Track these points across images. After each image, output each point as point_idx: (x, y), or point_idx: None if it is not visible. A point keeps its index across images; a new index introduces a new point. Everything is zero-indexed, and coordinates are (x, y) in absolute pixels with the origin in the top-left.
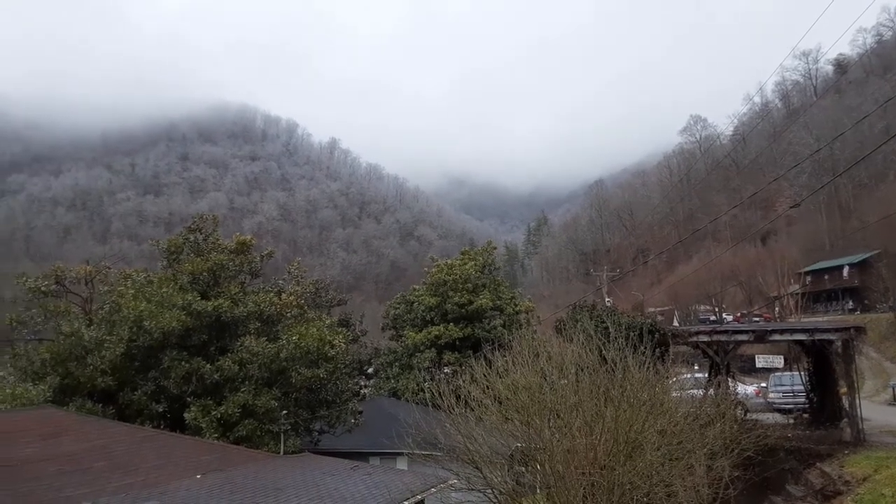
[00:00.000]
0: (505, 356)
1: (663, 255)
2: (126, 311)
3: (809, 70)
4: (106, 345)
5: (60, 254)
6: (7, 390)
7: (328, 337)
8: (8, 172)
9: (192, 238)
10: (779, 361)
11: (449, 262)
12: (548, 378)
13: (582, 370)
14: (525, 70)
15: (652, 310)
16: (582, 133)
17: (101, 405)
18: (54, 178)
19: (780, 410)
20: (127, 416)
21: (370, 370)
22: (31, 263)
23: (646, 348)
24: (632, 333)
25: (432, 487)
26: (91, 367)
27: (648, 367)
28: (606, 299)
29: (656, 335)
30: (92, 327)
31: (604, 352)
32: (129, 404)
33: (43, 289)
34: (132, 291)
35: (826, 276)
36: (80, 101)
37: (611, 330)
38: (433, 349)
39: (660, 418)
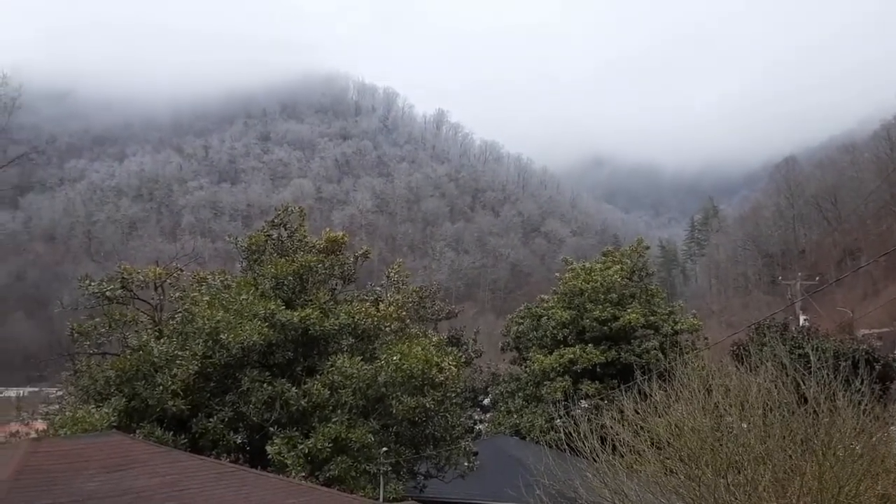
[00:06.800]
0: (664, 388)
1: (882, 259)
2: (200, 321)
3: None
4: (178, 361)
5: (125, 252)
6: (67, 413)
7: (435, 358)
8: (66, 158)
9: (274, 235)
10: None
11: (587, 265)
12: (724, 419)
13: (771, 410)
14: (698, 29)
15: (866, 332)
16: (767, 98)
17: (171, 433)
18: (118, 164)
19: None
20: (201, 446)
21: (486, 401)
22: (92, 264)
23: (861, 384)
24: (841, 363)
25: None
26: (161, 387)
27: (865, 410)
28: (801, 317)
29: (876, 366)
30: (162, 340)
31: (802, 387)
32: (203, 433)
33: (108, 294)
34: (207, 298)
35: None
36: (149, 73)
37: (812, 358)
38: (567, 377)
39: (881, 478)
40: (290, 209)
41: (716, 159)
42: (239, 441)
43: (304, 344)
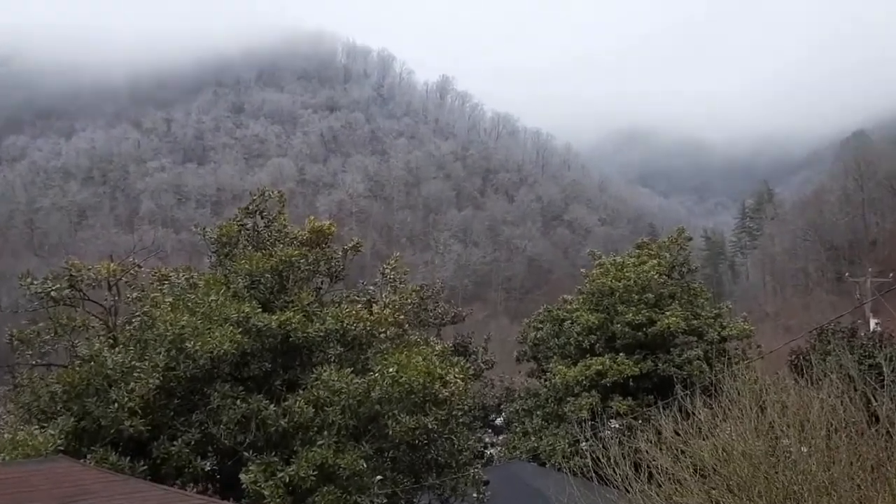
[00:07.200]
0: (709, 405)
1: None
2: (162, 326)
3: None
4: (135, 374)
5: (73, 245)
6: (6, 435)
7: (439, 370)
8: (4, 134)
9: (249, 224)
10: None
11: (618, 259)
12: (780, 442)
13: (836, 431)
14: None
15: None
16: (834, 66)
17: (128, 458)
18: (65, 141)
19: None
20: (163, 474)
21: (499, 421)
22: (35, 259)
23: None
24: None
25: None
26: (116, 404)
27: None
28: (872, 321)
29: None
30: (117, 349)
31: (873, 404)
32: (165, 458)
33: (53, 294)
34: (170, 299)
35: None
36: (103, 35)
37: (885, 369)
38: (594, 392)
39: None
40: (267, 194)
41: (772, 135)
42: (208, 468)
43: (284, 353)
